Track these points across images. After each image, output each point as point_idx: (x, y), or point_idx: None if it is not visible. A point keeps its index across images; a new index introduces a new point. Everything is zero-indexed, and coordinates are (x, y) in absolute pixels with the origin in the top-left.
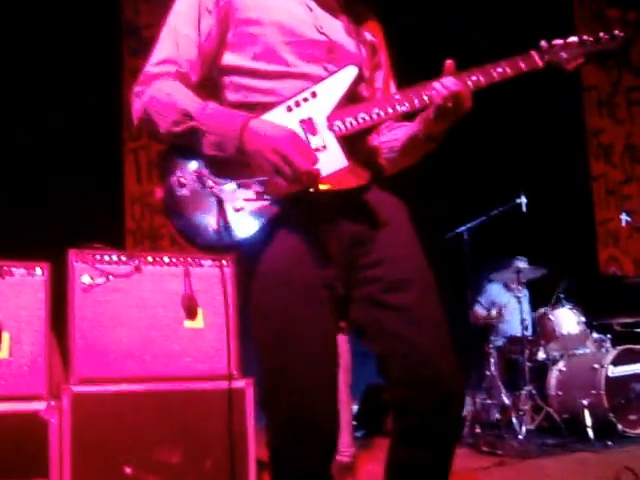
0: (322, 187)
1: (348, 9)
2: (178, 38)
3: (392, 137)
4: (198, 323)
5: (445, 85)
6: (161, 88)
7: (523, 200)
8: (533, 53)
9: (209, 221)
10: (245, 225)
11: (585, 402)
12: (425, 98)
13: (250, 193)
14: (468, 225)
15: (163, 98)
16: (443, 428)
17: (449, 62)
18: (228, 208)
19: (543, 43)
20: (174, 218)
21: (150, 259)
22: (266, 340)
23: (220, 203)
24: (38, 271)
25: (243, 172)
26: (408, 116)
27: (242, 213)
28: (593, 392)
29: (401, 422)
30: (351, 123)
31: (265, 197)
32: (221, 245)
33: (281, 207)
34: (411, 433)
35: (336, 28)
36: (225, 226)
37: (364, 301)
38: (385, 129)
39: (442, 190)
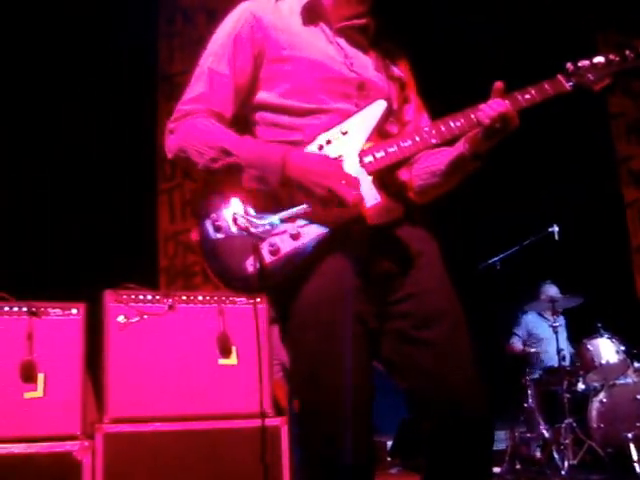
0: (360, 221)
1: (376, 46)
2: (212, 76)
3: (433, 161)
4: (232, 360)
5: (493, 107)
6: (196, 125)
7: (555, 229)
8: (560, 77)
9: (245, 264)
10: (281, 266)
11: (630, 435)
12: (454, 127)
13: (286, 233)
14: (501, 256)
15: (199, 136)
16: (473, 464)
17: (498, 84)
18: (264, 251)
19: (569, 65)
20: (210, 261)
21: (184, 298)
22: (301, 377)
23: (255, 246)
24: (74, 311)
25: (281, 207)
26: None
27: (278, 254)
28: (638, 424)
29: (431, 458)
30: (382, 158)
31: (301, 236)
32: (257, 288)
33: (317, 246)
34: (441, 469)
35: (366, 65)
36: (261, 269)
37: (394, 336)
38: (423, 156)
39: (474, 221)
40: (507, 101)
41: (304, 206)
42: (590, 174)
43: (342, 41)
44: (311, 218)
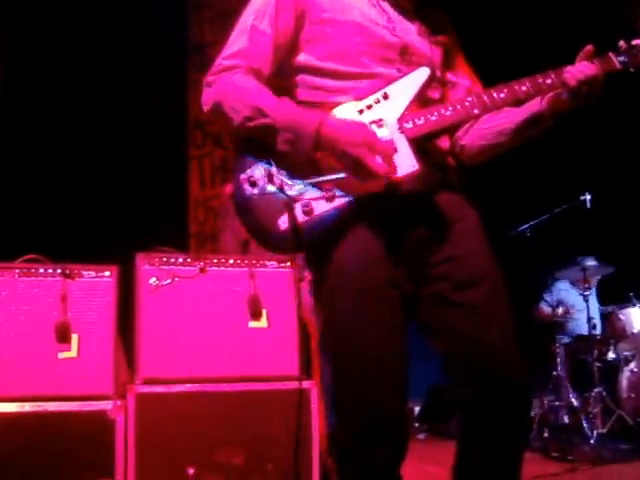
0: (392, 189)
1: (421, 11)
2: (253, 33)
3: (500, 121)
4: (262, 323)
5: (580, 69)
6: (234, 81)
7: (587, 197)
8: (611, 55)
9: (277, 222)
10: (314, 227)
11: None
12: (497, 98)
13: (320, 194)
14: (532, 223)
15: (236, 92)
16: (511, 429)
17: (589, 47)
18: (297, 210)
19: (622, 43)
20: (242, 215)
21: (215, 261)
22: (335, 340)
23: (290, 204)
24: (107, 273)
25: (314, 172)
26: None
27: (311, 215)
28: None
29: (468, 422)
30: (422, 125)
31: (335, 198)
32: (288, 247)
33: (351, 209)
34: (478, 434)
35: (409, 30)
36: (294, 227)
37: (432, 299)
38: (487, 116)
39: (506, 188)
40: (596, 64)
41: (339, 175)
42: (625, 142)
43: (386, 5)
44: (344, 187)
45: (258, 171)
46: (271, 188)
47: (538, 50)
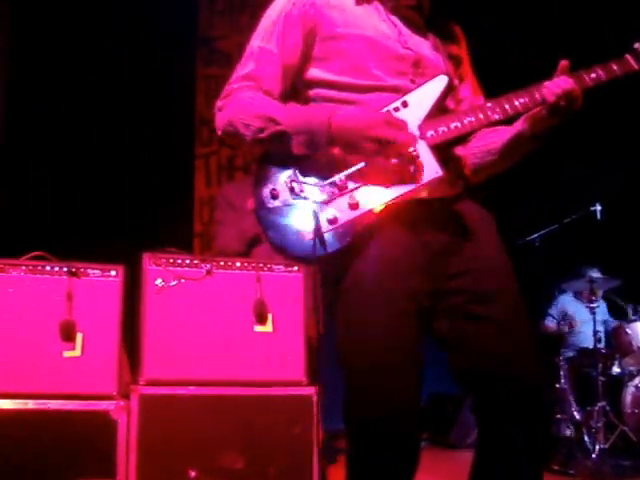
0: (416, 196)
1: (432, 24)
2: (260, 55)
3: (489, 140)
4: (267, 328)
5: (558, 84)
6: (241, 98)
7: (598, 208)
8: (628, 57)
9: (302, 233)
10: (337, 237)
11: None
12: (517, 104)
13: (344, 205)
14: (540, 232)
15: (244, 108)
16: (532, 445)
17: (564, 62)
18: (322, 219)
19: (638, 45)
20: (268, 230)
21: (222, 263)
22: (351, 347)
23: (314, 214)
24: (113, 273)
25: (334, 172)
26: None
27: (336, 224)
28: None
29: (487, 436)
30: (444, 132)
31: (359, 207)
32: (315, 256)
33: (373, 217)
34: (498, 448)
35: (421, 43)
36: (319, 238)
37: (450, 312)
38: (479, 134)
39: (515, 196)
40: (572, 79)
41: (359, 165)
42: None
43: (396, 19)
44: (367, 181)
45: (279, 183)
46: (294, 199)
47: (541, 63)
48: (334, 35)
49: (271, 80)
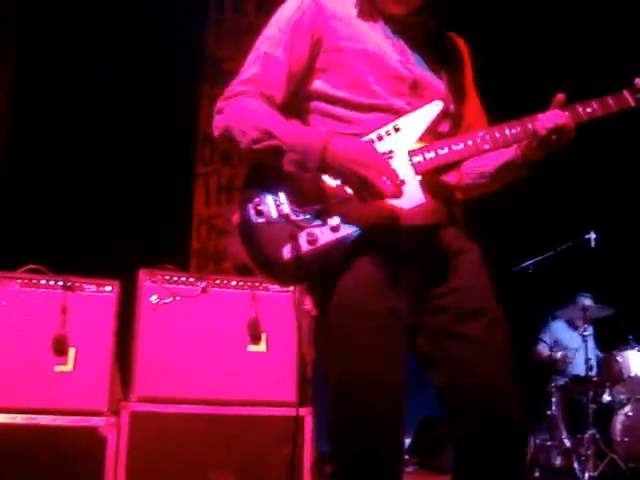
0: (397, 220)
1: (436, 43)
2: (266, 60)
3: (483, 162)
4: (261, 348)
5: (551, 117)
6: (243, 105)
7: (592, 236)
8: (626, 92)
9: (281, 251)
10: (318, 257)
11: None
12: (508, 134)
13: (325, 226)
14: (535, 259)
15: (244, 115)
16: (505, 467)
17: (560, 95)
18: (302, 240)
19: (638, 81)
20: (247, 245)
21: (217, 282)
22: (335, 369)
23: (294, 234)
24: (108, 288)
25: (319, 198)
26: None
27: (316, 244)
28: None
29: (461, 457)
30: (432, 159)
31: (340, 229)
32: (291, 276)
33: (355, 240)
34: (472, 469)
35: (422, 62)
36: (297, 258)
37: (432, 331)
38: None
39: (510, 223)
40: (567, 113)
41: (344, 198)
42: (632, 182)
43: (400, 37)
44: (348, 216)
45: (265, 200)
46: (277, 217)
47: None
48: (337, 48)
49: (274, 86)
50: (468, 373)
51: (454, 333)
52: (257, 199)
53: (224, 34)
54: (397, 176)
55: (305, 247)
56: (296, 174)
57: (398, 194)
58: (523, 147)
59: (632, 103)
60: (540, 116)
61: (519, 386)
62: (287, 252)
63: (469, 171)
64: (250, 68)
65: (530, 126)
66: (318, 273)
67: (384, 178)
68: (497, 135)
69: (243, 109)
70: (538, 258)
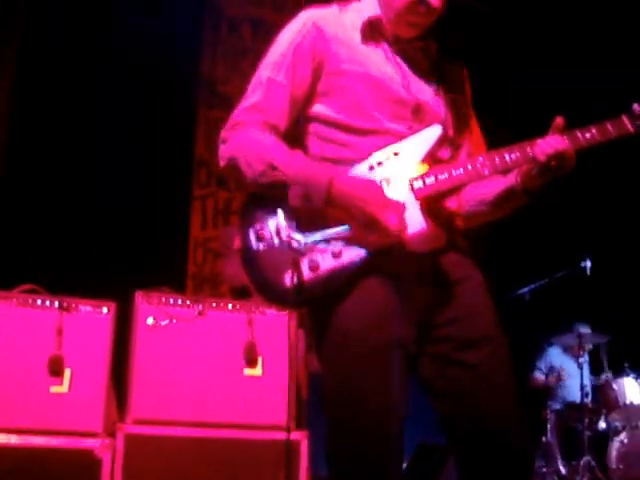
0: (400, 247)
1: (437, 67)
2: (269, 86)
3: (483, 190)
4: (257, 371)
5: (550, 143)
6: (248, 136)
7: (588, 264)
8: (624, 117)
9: (283, 277)
10: (319, 283)
11: None
12: (508, 159)
13: (327, 253)
14: (531, 287)
15: (250, 148)
16: None
17: (559, 119)
18: (304, 266)
19: (636, 107)
20: (249, 270)
21: (214, 305)
22: (335, 396)
23: (296, 260)
24: (104, 309)
25: (322, 225)
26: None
27: (317, 271)
28: None
29: None
30: (432, 185)
31: (342, 255)
32: (292, 302)
33: (357, 266)
34: None
35: (423, 86)
36: (299, 284)
37: (436, 359)
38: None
39: (506, 250)
40: (566, 138)
41: (346, 227)
42: (627, 210)
43: (401, 60)
44: (352, 241)
45: (266, 225)
46: (278, 242)
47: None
48: (338, 71)
49: (278, 113)
50: (471, 402)
51: (457, 361)
52: (258, 224)
53: (219, 56)
54: (403, 212)
55: (307, 273)
56: (302, 208)
57: (403, 231)
58: (522, 174)
59: (631, 129)
60: (539, 141)
61: (523, 414)
62: (288, 278)
63: (469, 198)
64: (253, 95)
65: (529, 150)
66: (319, 299)
67: (390, 215)
68: (497, 160)
69: (248, 141)
70: (534, 285)
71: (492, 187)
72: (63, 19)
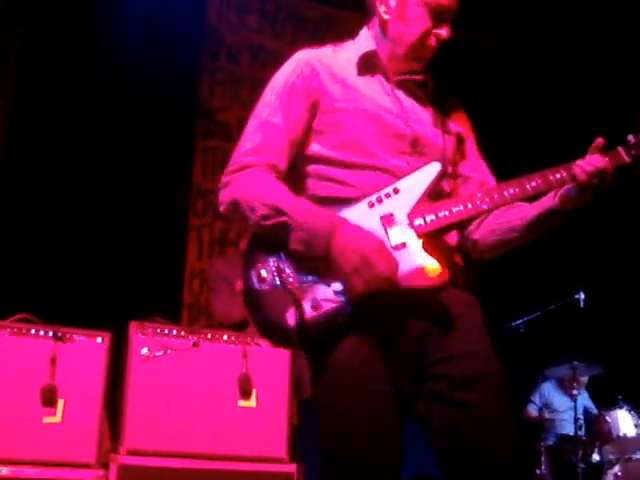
0: (399, 285)
1: (435, 100)
2: (267, 128)
3: (512, 217)
4: (251, 403)
5: (591, 162)
6: (250, 180)
7: (581, 296)
8: (620, 149)
9: (286, 317)
10: (320, 323)
11: None
12: (506, 195)
13: (329, 292)
14: (524, 319)
15: (253, 191)
16: None
17: (599, 139)
18: (306, 305)
19: (630, 137)
20: (252, 311)
21: (209, 336)
22: (329, 434)
23: (298, 301)
24: (99, 339)
25: (323, 270)
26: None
27: (319, 310)
28: None
29: None
30: (432, 221)
31: (342, 297)
32: (296, 342)
33: (355, 305)
34: None
35: (422, 120)
36: (301, 323)
37: (432, 397)
38: (499, 210)
39: (499, 283)
40: (607, 158)
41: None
42: (620, 242)
43: (400, 93)
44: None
45: (268, 267)
46: (280, 283)
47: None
48: (333, 109)
49: (278, 155)
50: (468, 441)
51: (453, 400)
52: (259, 264)
53: (216, 84)
54: (396, 267)
55: (309, 313)
56: (302, 253)
57: (392, 280)
58: (561, 195)
59: (627, 160)
60: (579, 161)
61: (522, 451)
62: (291, 317)
63: (496, 227)
64: (253, 137)
65: (528, 185)
66: (321, 339)
67: (382, 282)
68: (495, 196)
69: (250, 183)
70: (527, 318)
71: (521, 213)
72: (63, 28)
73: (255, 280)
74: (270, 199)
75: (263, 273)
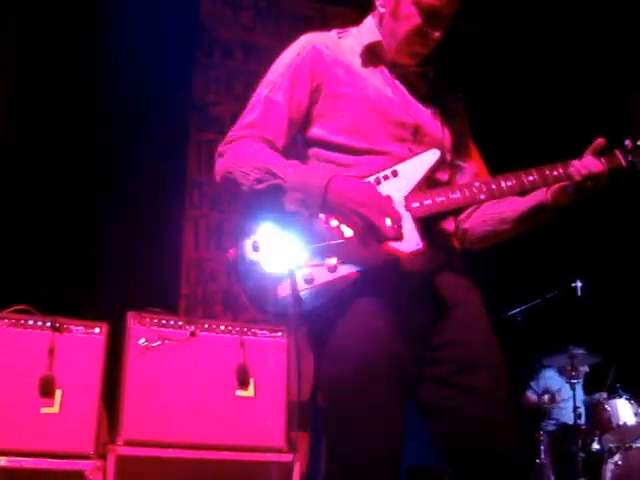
0: (394, 265)
1: (435, 92)
2: (266, 105)
3: (504, 209)
4: (249, 393)
5: (587, 165)
6: (244, 147)
7: (578, 284)
8: (617, 152)
9: (278, 288)
10: (314, 296)
11: None
12: (504, 186)
13: (322, 264)
14: (522, 307)
15: (246, 157)
16: None
17: (599, 140)
18: (299, 277)
19: (627, 142)
20: (243, 280)
21: (206, 326)
22: (332, 415)
23: (291, 272)
24: (97, 330)
25: (318, 238)
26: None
27: (312, 284)
28: None
29: None
30: (429, 205)
31: (337, 269)
32: (287, 313)
33: (353, 282)
34: None
35: (422, 111)
36: (294, 296)
37: (435, 381)
38: (489, 202)
39: (497, 272)
40: (603, 160)
41: (341, 241)
42: (618, 230)
43: (400, 84)
44: (347, 257)
45: (262, 236)
46: (274, 254)
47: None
48: (337, 94)
49: (275, 131)
50: (470, 424)
51: (455, 384)
52: (254, 235)
53: (210, 80)
54: (399, 218)
55: (302, 285)
56: (297, 213)
57: (399, 237)
58: (555, 191)
59: (623, 164)
60: (575, 162)
61: (521, 433)
62: (283, 289)
63: (487, 218)
64: (251, 113)
65: (531, 178)
66: (314, 314)
67: (386, 220)
68: (493, 187)
69: (244, 151)
70: (524, 306)
71: (513, 205)
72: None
73: (249, 249)
74: (262, 162)
75: (257, 242)
